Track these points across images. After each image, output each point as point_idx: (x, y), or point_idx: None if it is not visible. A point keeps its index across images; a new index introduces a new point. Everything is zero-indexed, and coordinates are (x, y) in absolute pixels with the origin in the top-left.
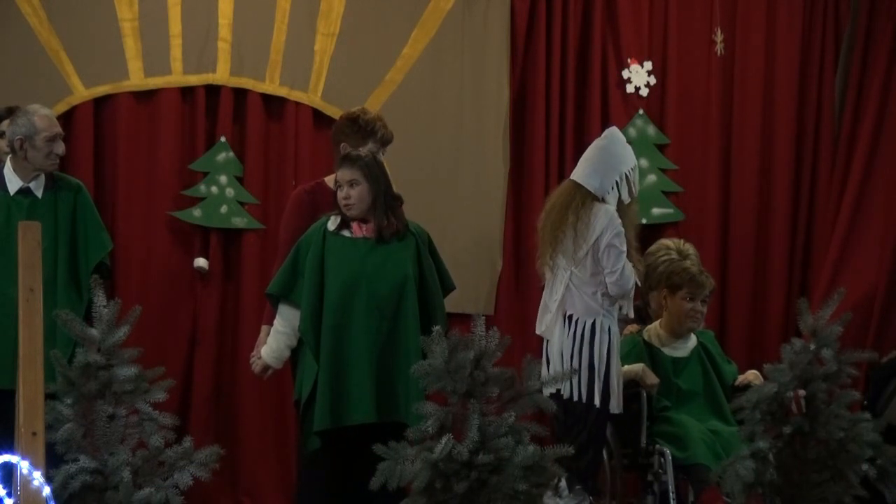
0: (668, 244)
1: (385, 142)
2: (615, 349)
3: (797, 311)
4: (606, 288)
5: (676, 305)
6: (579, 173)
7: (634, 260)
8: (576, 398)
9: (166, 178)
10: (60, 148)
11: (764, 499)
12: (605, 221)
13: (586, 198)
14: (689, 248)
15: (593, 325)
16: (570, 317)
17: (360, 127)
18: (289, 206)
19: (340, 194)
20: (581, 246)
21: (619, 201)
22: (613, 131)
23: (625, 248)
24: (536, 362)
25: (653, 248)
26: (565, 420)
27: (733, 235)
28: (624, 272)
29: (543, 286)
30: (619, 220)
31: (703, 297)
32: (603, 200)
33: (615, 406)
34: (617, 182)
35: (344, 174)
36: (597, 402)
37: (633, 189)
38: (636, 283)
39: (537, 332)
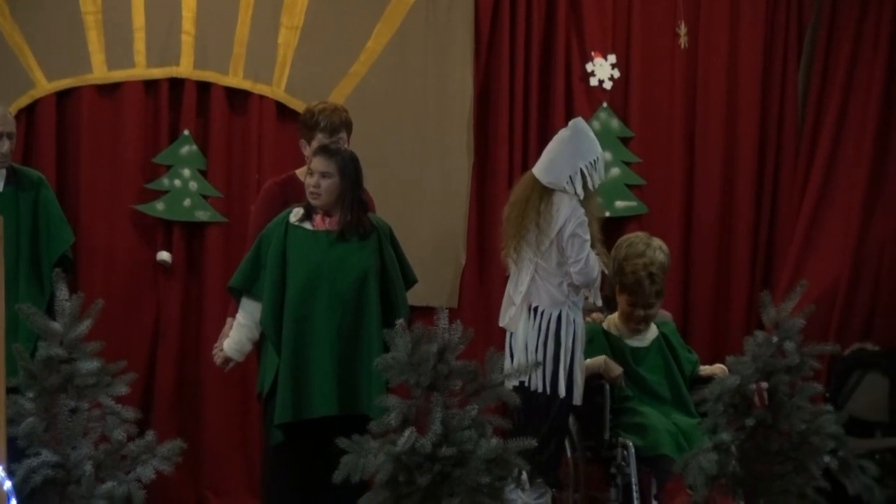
0: (640, 237)
1: (332, 130)
2: (580, 341)
3: (760, 304)
4: (572, 278)
5: (622, 305)
6: (538, 166)
7: (599, 251)
8: (539, 389)
9: (129, 172)
10: (4, 146)
11: (727, 490)
12: (568, 211)
13: (544, 191)
14: (659, 242)
15: (559, 316)
16: (536, 308)
17: (306, 121)
18: (259, 199)
19: (310, 181)
20: (544, 238)
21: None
22: (578, 122)
23: (588, 237)
24: (499, 355)
25: (622, 240)
26: (527, 412)
27: (697, 228)
28: (588, 261)
29: (507, 278)
30: (582, 210)
31: (646, 303)
32: (564, 191)
33: (578, 398)
34: (571, 177)
35: (319, 164)
36: (562, 393)
37: (591, 183)
38: (603, 272)
39: (500, 324)
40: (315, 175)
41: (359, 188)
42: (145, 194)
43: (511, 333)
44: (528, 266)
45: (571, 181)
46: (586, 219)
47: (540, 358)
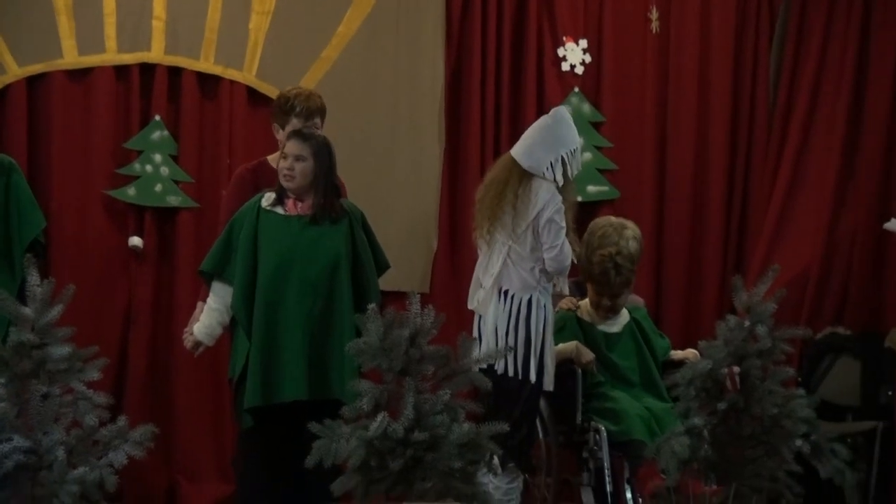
0: (612, 222)
1: (307, 115)
2: (550, 326)
3: (732, 288)
4: (544, 264)
5: (590, 293)
6: (518, 149)
7: (571, 239)
8: (511, 374)
9: (101, 157)
10: None
11: (699, 475)
12: (547, 196)
13: (523, 175)
14: (633, 229)
15: (529, 300)
16: (506, 292)
17: (281, 105)
18: (230, 185)
19: (284, 164)
20: (521, 222)
21: (564, 178)
22: (561, 111)
23: (564, 224)
24: (472, 340)
25: (594, 225)
26: (497, 396)
27: (668, 213)
28: (563, 248)
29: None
30: (560, 197)
31: (612, 293)
32: (543, 177)
33: (548, 383)
34: (552, 163)
35: (293, 147)
36: (532, 378)
37: (570, 172)
38: (573, 262)
39: (469, 306)
40: (289, 158)
41: (332, 173)
42: (116, 180)
43: (480, 316)
44: (500, 249)
45: (552, 167)
46: (563, 206)
47: (510, 342)
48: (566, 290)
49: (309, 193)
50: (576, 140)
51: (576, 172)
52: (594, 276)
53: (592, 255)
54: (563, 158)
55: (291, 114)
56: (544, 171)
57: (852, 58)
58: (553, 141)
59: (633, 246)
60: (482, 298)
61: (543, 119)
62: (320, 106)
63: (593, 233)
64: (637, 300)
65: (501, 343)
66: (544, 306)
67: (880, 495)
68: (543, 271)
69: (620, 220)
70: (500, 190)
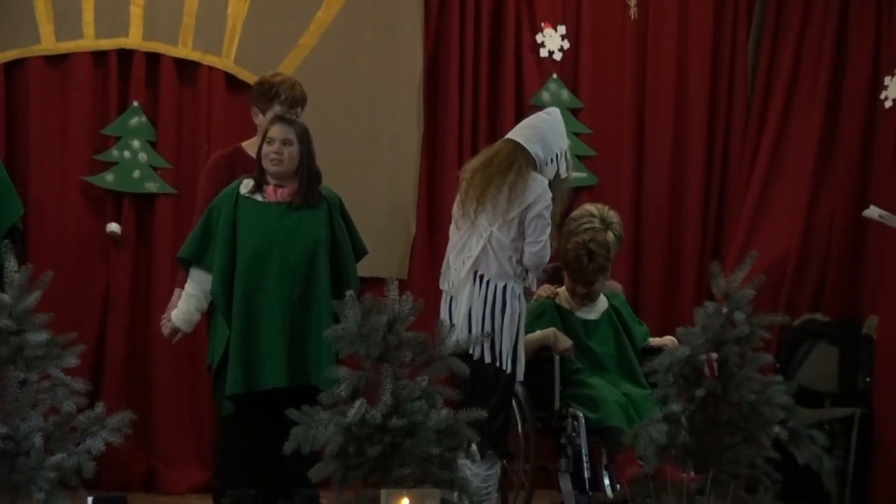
0: (592, 211)
1: (292, 103)
2: (523, 316)
3: (710, 275)
4: (521, 256)
5: (566, 280)
6: (524, 137)
7: (552, 234)
8: (487, 360)
9: (79, 143)
10: None
11: (677, 461)
12: (540, 191)
13: (528, 163)
14: (613, 216)
15: (504, 288)
16: (482, 277)
17: (265, 90)
18: (205, 171)
19: (271, 148)
20: (512, 209)
21: (555, 176)
22: (557, 111)
23: (550, 221)
24: (450, 327)
25: (576, 213)
26: (473, 382)
27: (647, 199)
28: (546, 245)
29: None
30: (551, 193)
31: (586, 280)
32: (540, 171)
33: (520, 372)
34: (557, 155)
35: (280, 131)
36: (507, 366)
37: (566, 169)
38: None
39: (441, 287)
40: (276, 142)
41: (314, 159)
42: (94, 166)
43: (451, 298)
44: (481, 233)
45: (556, 159)
46: (552, 204)
47: (486, 328)
48: (535, 287)
49: (291, 179)
50: (566, 141)
51: (565, 174)
52: (569, 262)
53: (568, 242)
54: (565, 153)
55: (275, 100)
56: (549, 163)
57: (830, 45)
58: (554, 134)
59: (609, 236)
60: (457, 281)
61: (542, 114)
62: (303, 95)
63: (573, 219)
64: (615, 286)
65: (475, 328)
66: (518, 296)
67: (858, 481)
68: (520, 262)
69: (602, 208)
70: (499, 171)
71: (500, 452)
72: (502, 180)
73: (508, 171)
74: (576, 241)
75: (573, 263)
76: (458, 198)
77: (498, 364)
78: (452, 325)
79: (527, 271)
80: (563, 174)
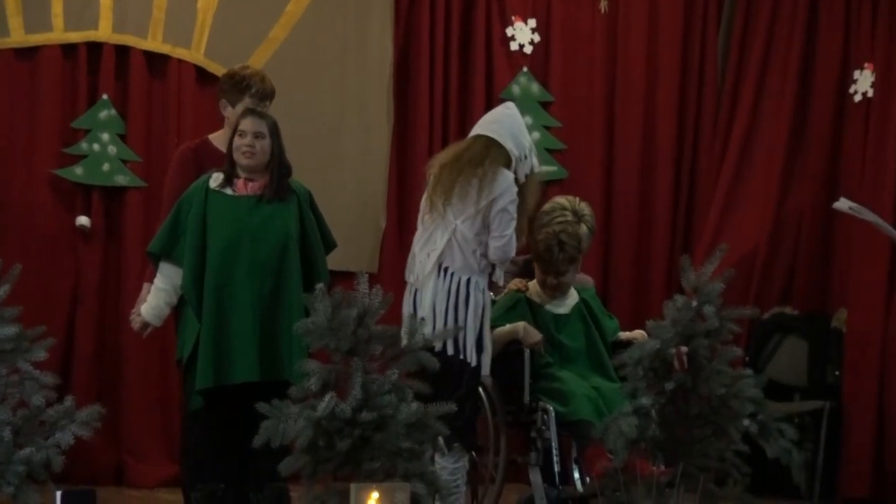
0: (564, 204)
1: (263, 97)
2: (488, 309)
3: (680, 268)
4: (486, 250)
5: (536, 272)
6: (496, 133)
7: (522, 227)
8: (450, 353)
9: (48, 136)
10: None
11: (646, 454)
12: (505, 185)
13: (502, 157)
14: (585, 209)
15: (469, 281)
16: (447, 270)
17: (236, 83)
18: (172, 164)
19: (243, 141)
20: (479, 202)
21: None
22: (514, 105)
23: (515, 217)
24: (420, 321)
25: (547, 206)
26: (437, 375)
27: (617, 192)
28: (511, 240)
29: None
30: (516, 189)
31: (558, 271)
32: (515, 166)
33: (486, 366)
34: (529, 149)
35: (252, 124)
36: (472, 359)
37: (535, 164)
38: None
39: (406, 279)
40: (248, 135)
41: (283, 152)
42: (64, 159)
43: (416, 290)
44: (447, 226)
45: (529, 153)
46: (518, 199)
47: (449, 321)
48: (502, 281)
49: (261, 173)
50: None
51: (537, 169)
52: (539, 253)
53: (538, 234)
54: (533, 147)
55: (246, 93)
56: (524, 157)
57: (800, 39)
58: (522, 129)
59: (581, 228)
60: (422, 274)
61: (505, 109)
62: (272, 89)
63: (545, 212)
64: (587, 280)
65: (439, 321)
66: (483, 290)
67: (827, 474)
68: (484, 256)
69: (574, 200)
70: (470, 165)
71: (466, 445)
72: (472, 173)
73: (480, 166)
74: (546, 231)
75: (543, 254)
76: (426, 192)
77: (462, 357)
78: (418, 319)
79: (493, 266)
80: (537, 168)
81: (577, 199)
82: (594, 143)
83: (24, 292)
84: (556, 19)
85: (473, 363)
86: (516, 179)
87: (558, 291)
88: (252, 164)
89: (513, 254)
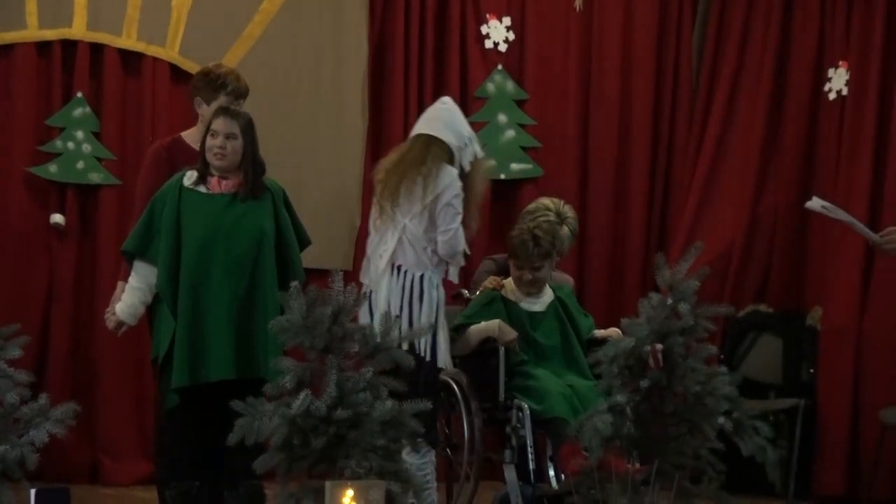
0: (548, 205)
1: (238, 95)
2: (442, 305)
3: (655, 266)
4: (437, 246)
5: (511, 270)
6: (432, 129)
7: (473, 218)
8: (405, 348)
9: (22, 134)
10: None
11: (622, 452)
12: (448, 181)
13: (443, 152)
14: (569, 211)
15: (422, 277)
16: (399, 267)
17: (212, 80)
18: (145, 162)
19: (214, 142)
20: (426, 197)
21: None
22: (450, 100)
23: (461, 211)
24: (394, 318)
25: (531, 206)
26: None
27: (592, 190)
28: (457, 233)
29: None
30: (460, 183)
31: (533, 266)
32: (458, 157)
33: (442, 360)
34: (468, 138)
35: (224, 125)
36: (427, 355)
37: (477, 154)
38: (466, 251)
39: (361, 280)
40: (219, 136)
41: (257, 150)
42: (38, 156)
43: (371, 291)
44: (396, 226)
45: (470, 142)
46: (462, 193)
47: (404, 317)
48: (456, 279)
49: (235, 172)
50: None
51: (480, 156)
52: (514, 248)
53: (514, 230)
54: (472, 138)
55: (221, 91)
56: (464, 145)
57: (775, 37)
58: (458, 120)
59: (565, 231)
60: (375, 275)
61: (441, 105)
62: (247, 88)
63: (528, 212)
64: (566, 279)
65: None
66: (437, 286)
67: (802, 472)
68: (435, 253)
69: (558, 202)
70: (412, 167)
71: (430, 441)
72: (416, 172)
73: (422, 164)
74: (520, 227)
75: (518, 249)
76: (374, 198)
77: (417, 352)
78: (398, 317)
79: (447, 263)
80: (480, 154)
81: (563, 201)
82: (569, 141)
83: None
84: (531, 17)
85: (429, 358)
86: (461, 168)
87: (534, 288)
88: (223, 165)
89: (461, 247)
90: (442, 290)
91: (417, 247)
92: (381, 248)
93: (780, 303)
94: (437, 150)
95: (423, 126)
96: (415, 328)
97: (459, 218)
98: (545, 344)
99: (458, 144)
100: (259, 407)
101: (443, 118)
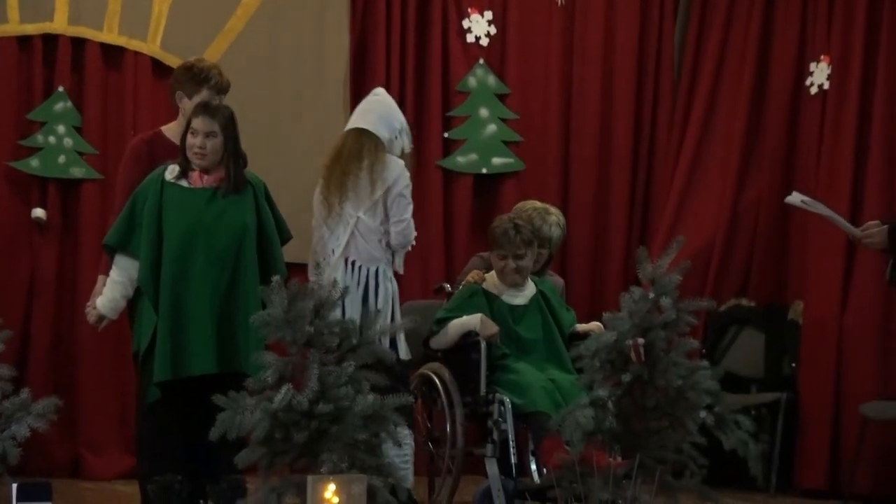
0: (536, 205)
1: (220, 90)
2: (396, 298)
3: (637, 260)
4: (390, 237)
5: (495, 262)
6: (365, 122)
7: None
8: None
9: (3, 128)
10: None
11: (603, 446)
12: (398, 172)
13: (378, 145)
14: (554, 210)
15: (377, 271)
16: (354, 263)
17: (195, 75)
18: (126, 157)
19: (194, 141)
20: (375, 192)
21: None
22: (383, 90)
23: (411, 201)
24: (377, 313)
25: (520, 205)
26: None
27: (573, 184)
28: (410, 224)
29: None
30: (408, 173)
31: (516, 254)
32: (389, 149)
33: (402, 351)
34: (399, 130)
35: (203, 124)
36: (385, 345)
37: (407, 146)
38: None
39: (310, 277)
40: (199, 135)
41: (238, 144)
42: (19, 151)
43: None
44: (347, 221)
45: (400, 134)
46: (410, 183)
47: (357, 313)
48: (401, 270)
49: (217, 166)
50: (402, 115)
51: (409, 148)
52: (496, 238)
53: (496, 222)
54: (404, 127)
55: (204, 85)
56: (394, 139)
57: (756, 31)
58: (391, 111)
59: (555, 232)
60: (328, 270)
61: (372, 97)
62: (229, 84)
63: (516, 208)
64: (557, 280)
65: (349, 312)
66: (390, 277)
67: (783, 466)
68: (388, 245)
69: (545, 205)
70: (353, 159)
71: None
72: (358, 167)
73: (361, 158)
74: (501, 218)
75: (500, 237)
76: (318, 197)
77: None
78: (379, 311)
79: (393, 253)
80: (408, 149)
81: (549, 205)
82: (551, 135)
83: None
84: (513, 11)
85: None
86: None
87: (518, 277)
88: (204, 164)
89: (412, 237)
90: (395, 282)
91: (370, 240)
92: (333, 244)
93: (762, 297)
94: (370, 144)
95: (356, 119)
96: (386, 325)
97: (411, 208)
98: (527, 337)
99: (390, 137)
100: (241, 401)
101: (375, 111)
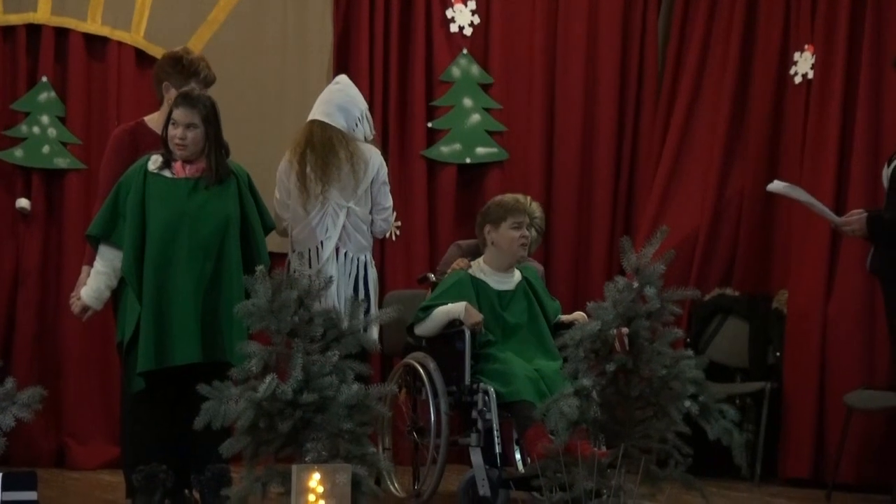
0: (518, 198)
1: (208, 83)
2: (377, 286)
3: (620, 250)
4: (374, 225)
5: (502, 237)
6: (323, 113)
7: None
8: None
9: None
10: None
11: (588, 435)
12: (379, 160)
13: (346, 135)
14: (536, 210)
15: (365, 260)
16: (346, 254)
17: (184, 67)
18: (109, 147)
19: (175, 133)
20: (362, 183)
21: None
22: (345, 77)
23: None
24: (361, 302)
25: (499, 196)
26: None
27: (557, 174)
28: (391, 211)
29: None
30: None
31: (532, 218)
32: (354, 130)
33: (374, 333)
34: (358, 119)
35: (184, 115)
36: (374, 334)
37: (369, 132)
38: None
39: (290, 270)
40: (180, 127)
41: (220, 134)
42: (3, 141)
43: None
44: (336, 211)
45: (359, 123)
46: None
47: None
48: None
49: (199, 157)
50: (364, 103)
51: (371, 135)
52: (508, 208)
53: (493, 201)
54: (365, 114)
55: (193, 78)
56: (354, 128)
57: (740, 20)
58: (351, 100)
59: (536, 223)
60: (320, 262)
61: (332, 86)
62: (215, 77)
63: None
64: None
65: (340, 302)
66: (372, 264)
67: (768, 455)
68: (371, 232)
69: (527, 199)
70: (329, 152)
71: None
72: (337, 157)
73: (335, 149)
74: (493, 199)
75: (513, 206)
76: (293, 182)
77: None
78: (363, 300)
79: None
80: (370, 136)
81: (529, 198)
82: (534, 125)
83: None
84: (496, 1)
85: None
86: None
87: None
88: (185, 155)
89: (391, 225)
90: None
91: (360, 229)
92: (322, 235)
93: (747, 286)
94: (337, 135)
95: (315, 112)
96: (376, 313)
97: (390, 196)
98: (513, 322)
99: (349, 127)
100: (225, 391)
101: (335, 101)
